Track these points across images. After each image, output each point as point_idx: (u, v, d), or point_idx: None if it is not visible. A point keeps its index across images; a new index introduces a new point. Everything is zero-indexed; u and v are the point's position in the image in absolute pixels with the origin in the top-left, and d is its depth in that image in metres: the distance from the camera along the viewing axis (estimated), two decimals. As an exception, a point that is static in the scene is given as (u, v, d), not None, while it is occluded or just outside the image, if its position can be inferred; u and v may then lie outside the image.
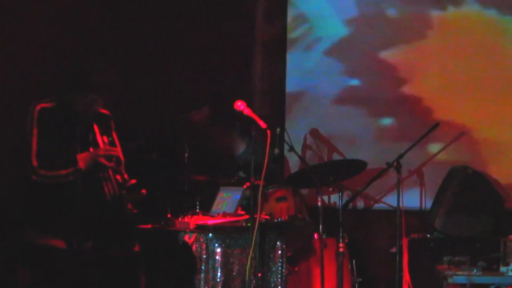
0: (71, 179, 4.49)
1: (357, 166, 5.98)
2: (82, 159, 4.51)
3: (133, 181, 4.68)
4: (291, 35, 7.32)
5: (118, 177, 4.67)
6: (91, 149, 4.62)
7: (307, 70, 7.29)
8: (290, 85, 7.31)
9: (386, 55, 7.12)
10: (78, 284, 4.60)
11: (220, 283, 5.08)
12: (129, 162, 4.91)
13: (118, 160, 4.69)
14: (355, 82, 7.21)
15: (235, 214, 5.40)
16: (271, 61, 7.33)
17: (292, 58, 7.29)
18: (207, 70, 7.07)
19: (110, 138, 4.66)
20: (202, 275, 5.09)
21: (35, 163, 4.44)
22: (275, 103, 7.29)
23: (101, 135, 4.66)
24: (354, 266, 6.09)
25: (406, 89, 7.10)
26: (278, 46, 7.30)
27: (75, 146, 4.56)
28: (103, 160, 4.56)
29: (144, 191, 4.69)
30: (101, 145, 4.64)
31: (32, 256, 4.55)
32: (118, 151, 4.69)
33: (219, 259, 5.11)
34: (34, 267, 4.54)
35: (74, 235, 4.58)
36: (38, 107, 4.53)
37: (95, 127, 4.65)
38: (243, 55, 7.28)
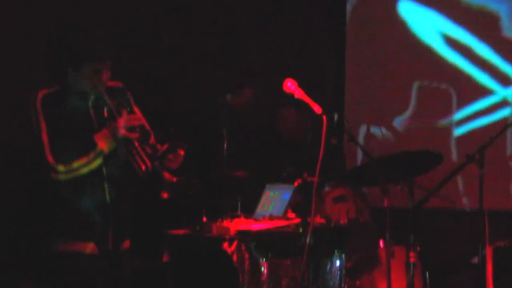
0: (95, 165, 4.41)
1: (432, 159, 5.70)
2: (101, 139, 4.41)
3: (165, 146, 4.55)
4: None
5: (147, 149, 4.54)
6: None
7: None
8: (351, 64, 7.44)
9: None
10: None
11: (266, 300, 5.12)
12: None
13: (143, 131, 4.58)
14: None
15: (284, 217, 5.35)
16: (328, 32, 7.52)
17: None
18: (251, 45, 7.13)
19: (129, 108, 4.55)
20: (245, 291, 5.12)
21: (51, 159, 4.35)
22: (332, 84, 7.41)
23: (118, 108, 4.54)
24: (428, 280, 5.96)
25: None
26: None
27: (91, 128, 4.48)
28: (124, 132, 4.43)
29: (181, 151, 4.59)
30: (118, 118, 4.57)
31: (57, 267, 4.48)
32: (140, 119, 4.58)
33: (265, 271, 5.04)
34: (60, 280, 4.48)
35: (108, 234, 4.51)
36: (39, 95, 4.42)
37: (109, 101, 4.54)
38: (292, 26, 7.36)
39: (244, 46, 7.11)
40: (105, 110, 4.53)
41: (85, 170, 4.38)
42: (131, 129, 4.45)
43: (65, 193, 4.43)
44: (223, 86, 6.38)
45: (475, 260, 5.78)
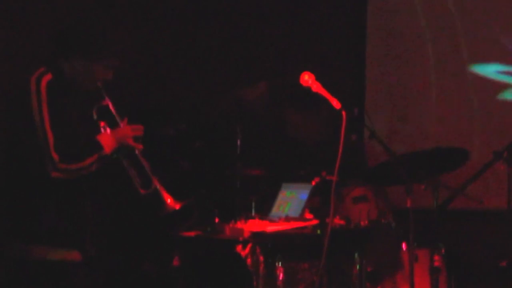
0: (93, 169, 4.14)
1: (457, 156, 5.76)
2: (106, 142, 4.14)
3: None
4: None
5: (147, 164, 4.32)
6: (101, 128, 4.32)
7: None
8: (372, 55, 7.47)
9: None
10: None
11: (282, 306, 5.09)
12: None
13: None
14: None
15: (301, 218, 5.32)
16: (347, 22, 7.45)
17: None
18: (265, 36, 7.10)
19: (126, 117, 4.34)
20: (259, 296, 5.11)
21: (55, 156, 4.02)
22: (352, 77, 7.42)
23: (120, 114, 4.35)
24: (453, 285, 5.83)
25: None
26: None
27: (88, 127, 4.26)
28: (131, 142, 4.24)
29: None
30: (121, 123, 4.35)
31: (40, 279, 4.18)
32: (142, 130, 4.35)
33: (281, 276, 5.02)
34: None
35: (87, 243, 4.26)
36: (44, 82, 4.12)
37: (108, 101, 4.31)
38: (311, 18, 7.33)
39: (260, 39, 7.05)
40: (94, 111, 4.29)
41: (81, 174, 4.11)
42: (137, 139, 4.26)
43: (53, 194, 4.15)
44: (237, 80, 6.37)
45: (504, 263, 5.76)
